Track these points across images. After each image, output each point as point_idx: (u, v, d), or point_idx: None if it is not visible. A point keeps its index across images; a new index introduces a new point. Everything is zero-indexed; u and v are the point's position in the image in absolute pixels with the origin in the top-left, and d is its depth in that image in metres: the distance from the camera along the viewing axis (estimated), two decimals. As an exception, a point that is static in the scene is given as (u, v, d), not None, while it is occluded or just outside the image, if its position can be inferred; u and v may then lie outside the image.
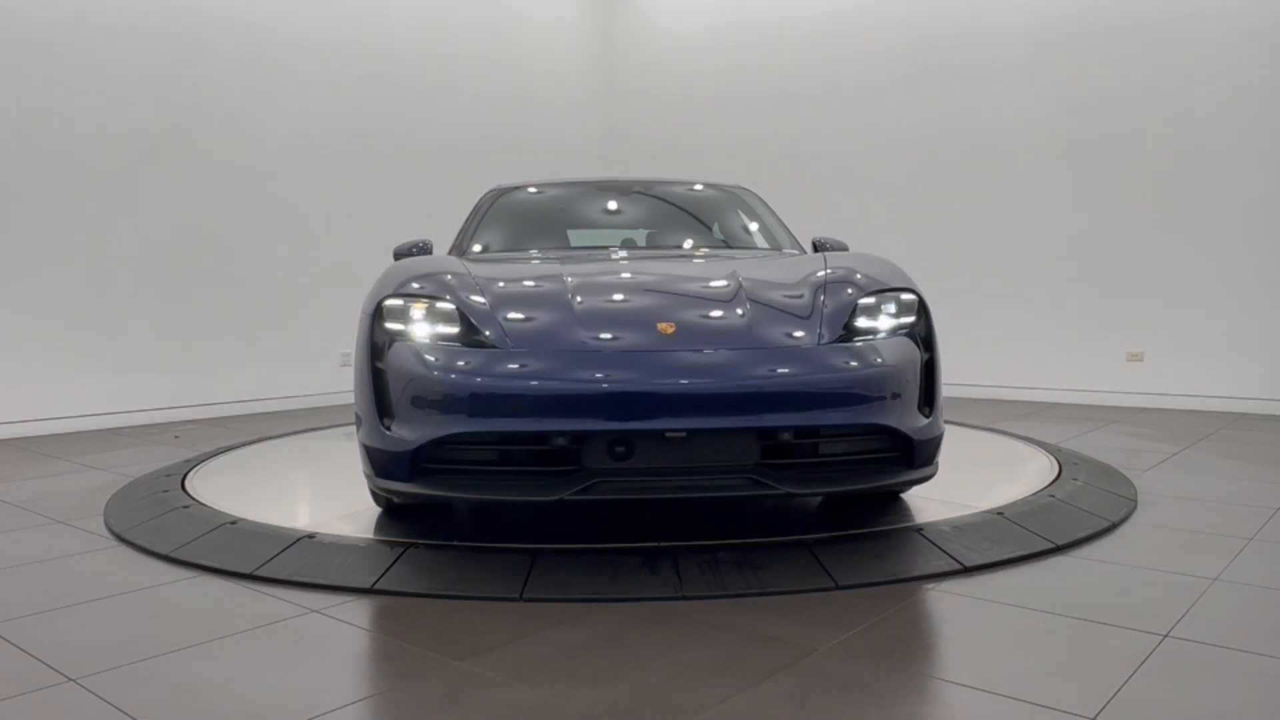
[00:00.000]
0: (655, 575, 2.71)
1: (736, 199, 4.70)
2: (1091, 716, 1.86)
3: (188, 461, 4.50)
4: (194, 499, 3.64)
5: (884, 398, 2.89)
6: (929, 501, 3.49)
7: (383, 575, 2.74)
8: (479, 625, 2.41)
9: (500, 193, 4.68)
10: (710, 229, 4.51)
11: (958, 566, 2.80)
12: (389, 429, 2.89)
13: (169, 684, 2.08)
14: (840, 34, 7.86)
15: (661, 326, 2.96)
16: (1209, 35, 6.31)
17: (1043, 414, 6.22)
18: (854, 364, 2.91)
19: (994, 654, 2.21)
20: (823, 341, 2.97)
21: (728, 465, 2.82)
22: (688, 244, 4.42)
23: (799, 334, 2.98)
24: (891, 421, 2.90)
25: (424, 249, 4.21)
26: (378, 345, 3.01)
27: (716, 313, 3.10)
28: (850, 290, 3.16)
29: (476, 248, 4.23)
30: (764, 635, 2.32)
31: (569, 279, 3.27)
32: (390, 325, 3.02)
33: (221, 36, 6.53)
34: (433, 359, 2.88)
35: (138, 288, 6.18)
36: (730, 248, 4.31)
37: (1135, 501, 3.64)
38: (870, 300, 3.14)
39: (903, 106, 7.57)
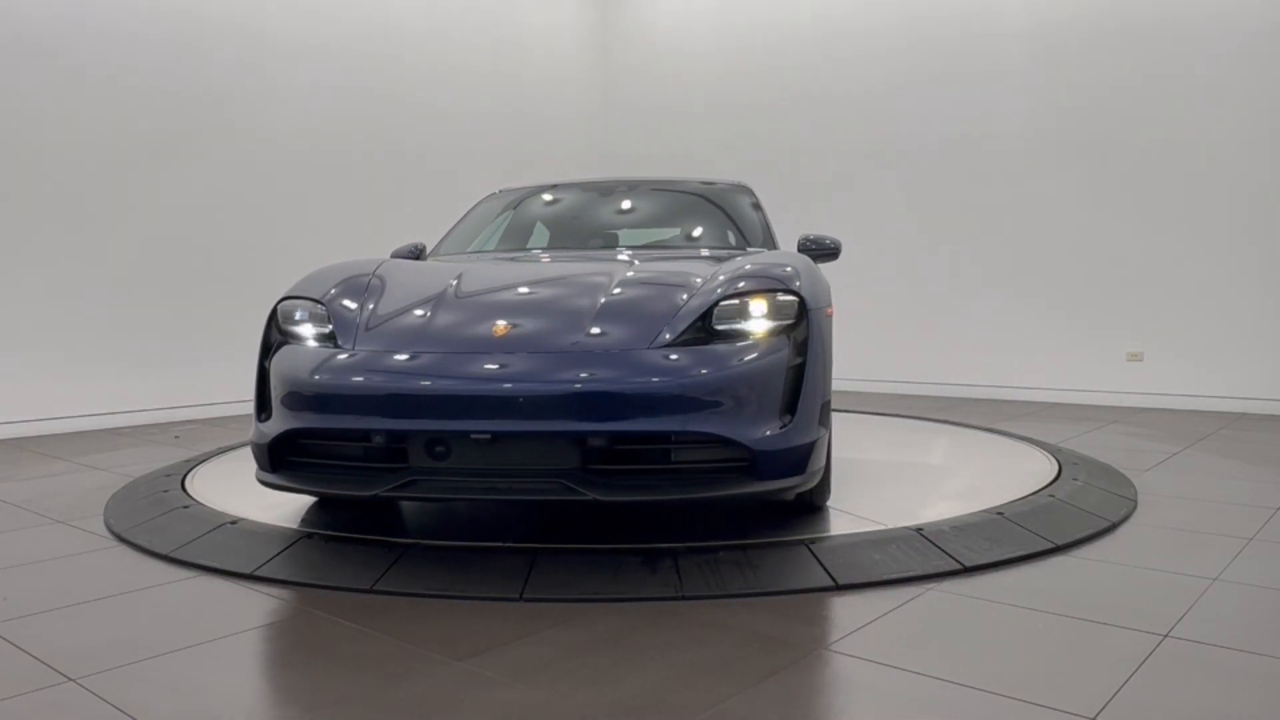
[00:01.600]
0: (655, 575, 2.71)
1: (719, 199, 4.62)
2: (1091, 716, 1.86)
3: (188, 461, 4.50)
4: (194, 499, 3.64)
5: (715, 404, 2.72)
6: (928, 501, 3.49)
7: (383, 575, 2.74)
8: (479, 625, 2.41)
9: (491, 194, 4.80)
10: (676, 229, 4.47)
11: (958, 566, 2.80)
12: (261, 423, 3.08)
13: (169, 684, 2.08)
14: (840, 37, 7.86)
15: (495, 328, 2.95)
16: (1209, 36, 6.31)
17: (1043, 414, 6.22)
18: (680, 368, 2.75)
19: (994, 654, 2.21)
20: (658, 345, 2.83)
21: (543, 469, 2.78)
22: (639, 243, 4.40)
23: (637, 337, 2.86)
24: (721, 429, 2.72)
25: (417, 252, 4.36)
26: (268, 344, 3.21)
27: (563, 314, 3.03)
28: (720, 290, 3.00)
29: (444, 248, 4.38)
30: (764, 635, 2.32)
31: (450, 281, 3.33)
32: (283, 326, 3.21)
33: (222, 41, 6.52)
34: (292, 359, 3.04)
35: (138, 288, 6.18)
36: (674, 247, 4.24)
37: (1135, 501, 3.64)
38: (733, 302, 2.95)
39: (903, 109, 7.57)
